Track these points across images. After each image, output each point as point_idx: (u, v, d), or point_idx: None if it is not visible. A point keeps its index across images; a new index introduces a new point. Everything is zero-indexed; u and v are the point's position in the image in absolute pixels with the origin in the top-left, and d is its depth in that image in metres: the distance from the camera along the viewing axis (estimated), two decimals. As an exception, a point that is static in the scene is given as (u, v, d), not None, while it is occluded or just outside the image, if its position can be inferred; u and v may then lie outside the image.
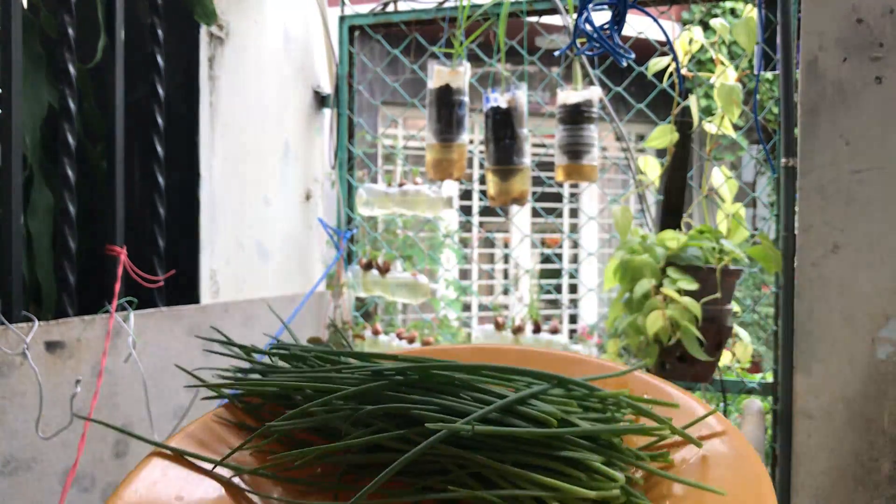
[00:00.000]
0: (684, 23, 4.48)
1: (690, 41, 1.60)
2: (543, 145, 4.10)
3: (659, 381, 0.46)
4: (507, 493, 0.37)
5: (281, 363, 0.56)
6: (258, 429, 0.46)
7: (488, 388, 0.45)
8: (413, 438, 0.41)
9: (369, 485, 0.39)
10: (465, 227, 4.77)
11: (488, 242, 5.13)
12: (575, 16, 1.53)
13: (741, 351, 1.67)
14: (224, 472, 0.44)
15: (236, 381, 0.51)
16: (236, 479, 0.43)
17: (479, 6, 1.83)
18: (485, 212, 4.82)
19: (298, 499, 0.41)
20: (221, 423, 0.48)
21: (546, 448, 0.39)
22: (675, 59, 1.58)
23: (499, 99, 1.70)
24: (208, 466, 0.44)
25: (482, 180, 1.79)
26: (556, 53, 1.65)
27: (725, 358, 1.66)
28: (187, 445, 0.45)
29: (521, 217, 4.86)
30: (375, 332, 1.98)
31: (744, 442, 0.36)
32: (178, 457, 0.44)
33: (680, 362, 1.51)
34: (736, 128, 1.59)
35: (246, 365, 0.57)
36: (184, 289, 1.71)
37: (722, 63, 1.56)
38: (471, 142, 1.89)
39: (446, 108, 1.72)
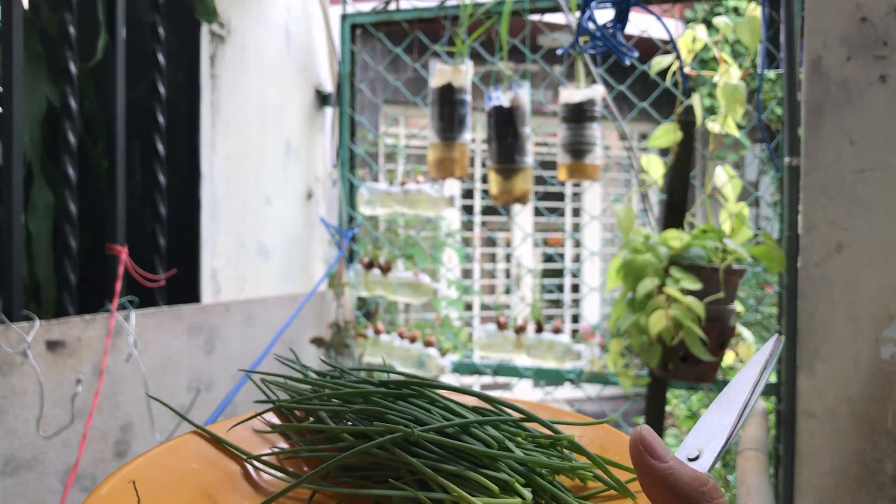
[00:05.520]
0: (687, 21, 4.46)
1: (694, 40, 1.59)
2: (546, 144, 4.10)
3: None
4: (411, 494, 0.44)
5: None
6: (284, 430, 0.57)
7: (465, 412, 0.53)
8: (386, 447, 0.48)
9: (316, 469, 0.47)
10: (467, 226, 4.76)
11: (490, 242, 5.12)
12: (578, 14, 1.52)
13: (744, 351, 1.66)
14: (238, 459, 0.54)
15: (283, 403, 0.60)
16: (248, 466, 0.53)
17: (482, 4, 1.83)
18: (487, 211, 4.83)
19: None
20: (252, 427, 0.58)
21: (484, 467, 0.46)
22: (678, 57, 1.57)
23: (501, 98, 1.70)
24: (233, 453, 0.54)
25: (484, 179, 1.79)
26: (559, 52, 1.64)
27: (729, 358, 1.65)
28: (222, 432, 0.55)
29: (523, 216, 4.85)
30: (377, 332, 1.98)
31: None
32: (211, 440, 0.54)
33: (683, 362, 1.50)
34: (739, 127, 1.59)
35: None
36: (185, 288, 1.71)
37: (725, 62, 1.56)
38: (473, 140, 1.89)
39: (448, 107, 1.72)
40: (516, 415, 0.53)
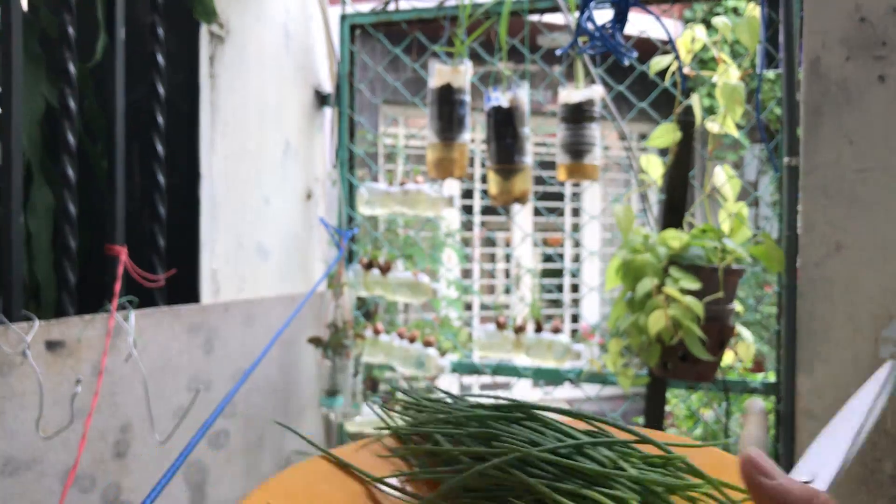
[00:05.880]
0: (686, 21, 4.47)
1: (693, 40, 1.59)
2: (545, 144, 4.10)
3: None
4: None
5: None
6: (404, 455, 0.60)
7: (579, 434, 0.54)
8: (504, 468, 0.50)
9: (438, 491, 0.50)
10: (467, 226, 4.76)
11: (490, 242, 5.12)
12: (577, 14, 1.52)
13: (744, 350, 1.66)
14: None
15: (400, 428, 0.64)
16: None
17: (481, 5, 1.83)
18: (486, 211, 4.82)
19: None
20: (368, 448, 0.62)
21: (600, 486, 0.48)
22: (677, 57, 1.57)
23: (500, 98, 1.70)
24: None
25: (483, 179, 1.79)
26: (558, 52, 1.64)
27: (728, 358, 1.65)
28: (346, 456, 0.59)
29: (522, 216, 4.85)
30: (376, 332, 1.98)
31: None
32: (338, 464, 0.58)
33: (682, 362, 1.50)
34: (738, 127, 1.59)
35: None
36: (184, 288, 1.71)
37: (724, 62, 1.56)
38: (472, 141, 1.89)
39: (447, 107, 1.72)
40: (629, 437, 0.55)
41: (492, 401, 0.61)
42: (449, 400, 0.64)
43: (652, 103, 1.85)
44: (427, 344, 1.93)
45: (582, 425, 0.58)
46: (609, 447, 0.52)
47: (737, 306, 1.55)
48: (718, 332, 1.51)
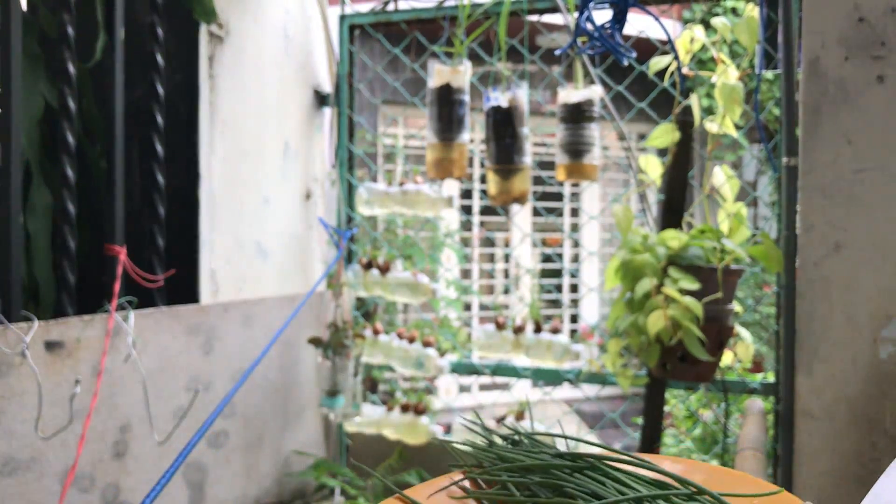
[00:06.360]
0: (685, 22, 4.47)
1: (692, 40, 1.60)
2: (544, 144, 4.09)
3: None
4: None
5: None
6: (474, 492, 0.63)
7: (638, 484, 0.57)
8: None
9: None
10: (466, 226, 4.76)
11: (489, 242, 5.12)
12: (576, 14, 1.52)
13: (743, 351, 1.66)
14: None
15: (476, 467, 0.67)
16: None
17: (480, 5, 1.83)
18: (485, 211, 4.82)
19: None
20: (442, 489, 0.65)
21: None
22: (676, 58, 1.57)
23: (499, 98, 1.70)
24: None
25: (483, 179, 1.79)
26: (557, 52, 1.64)
27: (727, 358, 1.65)
28: (419, 497, 0.62)
29: (521, 216, 4.85)
30: (376, 332, 1.98)
31: None
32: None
33: (681, 362, 1.50)
34: (737, 127, 1.59)
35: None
36: (183, 288, 1.71)
37: (723, 62, 1.56)
38: (471, 141, 1.89)
39: (447, 108, 1.72)
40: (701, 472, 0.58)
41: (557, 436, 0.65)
42: (516, 440, 0.68)
43: (651, 103, 1.85)
44: (426, 344, 1.93)
45: (644, 471, 0.60)
46: (668, 500, 0.54)
47: (736, 306, 1.55)
48: (717, 333, 1.51)
